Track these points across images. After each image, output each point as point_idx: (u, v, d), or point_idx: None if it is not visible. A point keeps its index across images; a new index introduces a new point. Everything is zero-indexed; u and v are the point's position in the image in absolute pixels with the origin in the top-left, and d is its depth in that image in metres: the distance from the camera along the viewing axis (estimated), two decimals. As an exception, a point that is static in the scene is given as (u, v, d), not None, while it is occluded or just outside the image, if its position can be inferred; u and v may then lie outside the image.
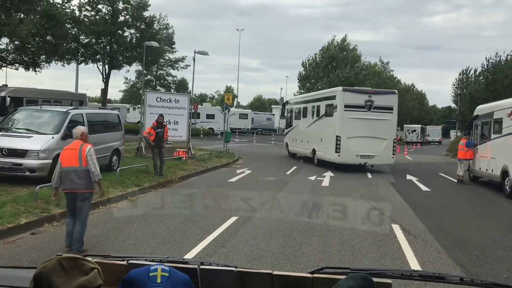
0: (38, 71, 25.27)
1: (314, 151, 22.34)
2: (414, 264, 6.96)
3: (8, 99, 21.11)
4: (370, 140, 19.61)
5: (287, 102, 29.62)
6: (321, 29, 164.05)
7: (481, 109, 19.16)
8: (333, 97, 20.43)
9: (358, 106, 19.58)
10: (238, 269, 1.82)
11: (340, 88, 20.97)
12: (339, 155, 19.65)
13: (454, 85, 70.76)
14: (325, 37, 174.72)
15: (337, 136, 19.48)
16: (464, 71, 69.92)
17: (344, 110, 19.53)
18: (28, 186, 11.22)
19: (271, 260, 6.94)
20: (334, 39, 50.03)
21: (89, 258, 1.74)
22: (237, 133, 50.25)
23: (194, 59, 25.94)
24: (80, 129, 7.51)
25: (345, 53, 48.91)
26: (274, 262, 6.81)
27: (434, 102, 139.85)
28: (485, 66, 42.84)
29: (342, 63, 47.80)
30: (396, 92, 21.67)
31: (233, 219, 9.54)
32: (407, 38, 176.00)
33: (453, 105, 78.14)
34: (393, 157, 20.59)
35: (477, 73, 65.02)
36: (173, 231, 8.50)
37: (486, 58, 42.08)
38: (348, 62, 48.02)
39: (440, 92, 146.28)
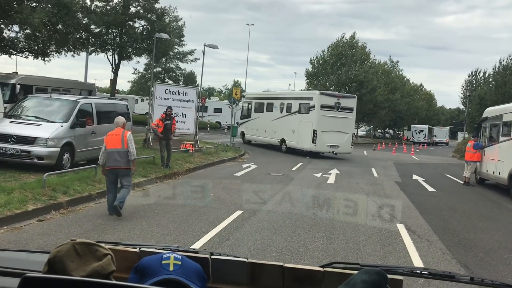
0: (48, 60, 25.39)
1: (283, 140, 26.81)
2: (418, 264, 6.95)
3: (18, 86, 21.25)
4: (337, 133, 24.58)
5: (243, 96, 34.14)
6: (332, 26, 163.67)
7: (491, 111, 19.04)
8: (310, 98, 24.96)
9: (330, 107, 24.48)
10: (249, 260, 1.83)
11: (317, 92, 25.87)
12: (315, 145, 24.32)
13: (463, 86, 70.45)
14: (335, 34, 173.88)
15: (314, 130, 24.11)
16: (473, 73, 69.68)
17: (320, 110, 24.15)
18: (36, 173, 11.31)
19: (275, 254, 6.97)
20: (343, 37, 49.86)
21: (102, 245, 1.76)
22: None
23: (203, 52, 25.93)
24: (121, 119, 9.22)
25: (354, 50, 48.68)
26: (278, 256, 6.84)
27: (442, 103, 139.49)
28: (497, 68, 42.54)
29: (351, 61, 47.59)
30: (356, 96, 27.35)
31: (238, 212, 9.57)
32: (418, 38, 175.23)
33: (461, 107, 77.73)
34: (352, 147, 25.97)
35: (486, 75, 64.78)
36: (178, 223, 8.55)
37: (499, 60, 41.71)
38: (357, 60, 47.80)
39: (448, 93, 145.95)
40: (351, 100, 25.90)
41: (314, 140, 24.12)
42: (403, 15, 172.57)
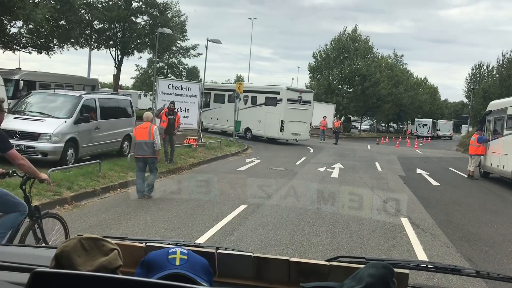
0: (51, 54, 25.43)
1: (248, 129, 29.68)
2: (423, 258, 6.95)
3: (21, 82, 21.29)
4: (299, 123, 28.33)
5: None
6: (335, 20, 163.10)
7: (495, 104, 18.97)
8: (278, 93, 28.05)
9: (294, 100, 28.04)
10: (255, 255, 1.84)
11: (285, 87, 29.17)
12: (282, 134, 27.86)
13: (467, 80, 70.27)
14: (339, 28, 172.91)
15: (282, 121, 27.48)
16: (477, 66, 69.39)
17: (287, 103, 27.60)
18: (40, 169, 11.30)
19: (279, 249, 6.99)
20: (345, 30, 49.65)
21: (108, 240, 1.77)
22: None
23: (206, 47, 25.88)
24: (149, 114, 10.61)
25: (356, 44, 48.48)
26: (283, 251, 6.86)
27: (446, 96, 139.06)
28: (500, 61, 42.32)
29: (354, 54, 47.42)
30: (313, 91, 32.59)
31: (242, 207, 9.60)
32: (422, 31, 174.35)
33: (465, 100, 77.59)
34: (309, 135, 30.30)
35: (490, 68, 64.50)
36: (182, 217, 8.57)
37: (502, 53, 41.46)
38: (359, 53, 47.63)
39: (452, 86, 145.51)
40: (309, 94, 30.11)
41: (282, 129, 27.60)
42: (407, 8, 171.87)
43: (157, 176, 10.68)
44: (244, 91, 29.30)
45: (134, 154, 10.14)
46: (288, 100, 27.72)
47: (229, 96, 30.04)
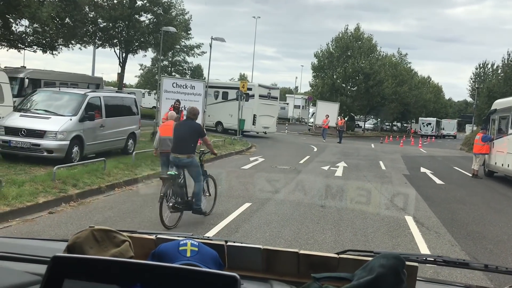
0: (56, 54, 25.51)
1: (219, 122, 31.22)
2: (427, 256, 6.95)
3: (26, 80, 21.36)
4: (268, 117, 30.99)
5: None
6: (340, 18, 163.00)
7: (500, 103, 18.90)
8: (250, 89, 29.40)
9: (264, 96, 30.70)
10: (264, 247, 1.85)
11: (257, 83, 31.33)
12: (254, 127, 30.14)
13: (471, 79, 70.04)
14: (342, 27, 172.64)
15: (254, 115, 29.71)
16: (482, 65, 69.14)
17: (259, 98, 29.99)
18: (46, 167, 11.41)
19: (284, 246, 7.00)
20: (347, 28, 49.49)
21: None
22: None
23: (210, 46, 25.93)
24: (174, 114, 11.54)
25: (360, 42, 48.33)
26: (287, 248, 6.87)
27: (450, 95, 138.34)
28: (506, 60, 42.13)
29: (358, 53, 47.29)
30: (279, 88, 38.09)
31: (246, 205, 9.62)
32: (427, 30, 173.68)
33: (469, 99, 77.27)
34: (276, 128, 33.60)
35: (495, 67, 64.24)
36: (187, 215, 8.58)
37: (507, 52, 41.25)
38: (363, 52, 47.48)
39: (456, 85, 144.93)
40: (276, 91, 33.76)
41: (254, 123, 29.95)
42: (412, 7, 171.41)
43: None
44: (216, 87, 31.63)
45: (159, 149, 10.62)
46: (260, 96, 30.19)
47: (214, 93, 31.69)
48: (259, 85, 31.35)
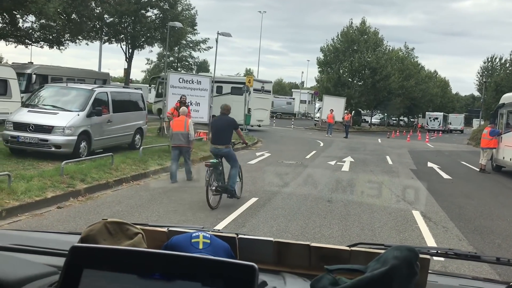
0: (63, 49, 25.59)
1: (213, 116, 33.55)
2: (435, 250, 6.94)
3: (34, 76, 21.48)
4: (262, 110, 31.74)
5: (158, 77, 35.93)
6: (346, 13, 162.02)
7: (508, 97, 18.77)
8: (244, 83, 28.84)
9: (258, 90, 31.26)
10: (276, 240, 1.86)
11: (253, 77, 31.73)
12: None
13: (478, 73, 69.51)
14: (348, 21, 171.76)
15: (249, 108, 29.13)
16: (489, 59, 68.60)
17: (253, 92, 29.95)
18: (53, 162, 11.48)
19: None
20: (352, 23, 49.19)
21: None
22: None
23: (217, 41, 25.85)
24: (185, 109, 12.17)
25: (366, 36, 48.04)
26: (295, 243, 6.88)
27: (457, 90, 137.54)
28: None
29: (364, 47, 47.02)
30: (272, 81, 36.67)
31: (253, 199, 9.64)
32: (434, 24, 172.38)
33: (476, 93, 76.79)
34: (269, 121, 34.41)
35: (503, 60, 63.72)
36: (194, 209, 8.63)
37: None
38: (369, 46, 47.21)
39: (463, 80, 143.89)
40: (269, 84, 34.37)
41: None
42: (419, 1, 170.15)
43: (191, 163, 11.89)
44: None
45: (171, 143, 11.43)
46: (254, 90, 30.50)
47: (212, 87, 32.32)
48: (254, 79, 31.69)
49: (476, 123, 57.51)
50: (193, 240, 1.67)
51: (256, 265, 1.00)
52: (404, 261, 1.35)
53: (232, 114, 9.75)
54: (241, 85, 29.11)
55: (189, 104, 17.15)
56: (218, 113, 29.74)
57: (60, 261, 1.17)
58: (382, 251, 1.57)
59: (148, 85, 53.61)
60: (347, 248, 1.78)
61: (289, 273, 1.77)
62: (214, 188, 8.76)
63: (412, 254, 1.39)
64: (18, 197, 7.90)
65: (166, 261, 1.02)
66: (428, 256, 1.69)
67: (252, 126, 31.02)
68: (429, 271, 1.72)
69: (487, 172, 17.68)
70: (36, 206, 7.98)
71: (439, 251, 1.91)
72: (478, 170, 18.11)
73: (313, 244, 1.81)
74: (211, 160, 8.92)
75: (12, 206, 7.56)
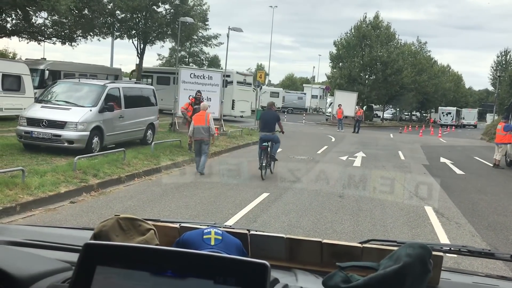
0: (75, 45, 25.76)
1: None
2: (448, 246, 6.89)
3: (47, 72, 21.67)
4: (244, 102, 32.89)
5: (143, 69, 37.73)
6: (358, 7, 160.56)
7: (522, 92, 18.52)
8: (229, 76, 30.20)
9: (241, 82, 32.50)
10: (287, 236, 1.86)
11: (235, 71, 32.81)
12: (233, 111, 31.65)
13: (492, 67, 68.68)
14: (362, 15, 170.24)
15: (233, 100, 31.04)
16: (503, 53, 67.70)
17: (236, 84, 31.53)
18: (66, 157, 11.58)
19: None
20: (365, 17, 48.83)
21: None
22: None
23: (228, 36, 25.88)
24: (205, 104, 12.87)
25: (378, 31, 47.67)
26: (306, 238, 6.87)
27: (471, 84, 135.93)
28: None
29: (375, 42, 46.67)
30: (252, 74, 38.16)
31: (264, 195, 9.64)
32: (448, 17, 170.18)
33: (490, 88, 75.87)
34: (250, 112, 33.98)
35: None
36: (206, 204, 8.67)
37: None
38: (381, 41, 46.83)
39: (477, 74, 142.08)
40: (250, 77, 35.75)
41: (233, 107, 31.54)
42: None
43: (207, 158, 12.34)
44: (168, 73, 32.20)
45: (193, 137, 12.16)
46: (237, 82, 31.95)
47: (175, 79, 32.50)
48: (237, 72, 33.10)
49: (490, 118, 56.85)
50: (205, 237, 1.68)
51: (268, 263, 0.99)
52: (417, 259, 1.34)
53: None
54: (226, 78, 29.63)
55: (203, 99, 17.17)
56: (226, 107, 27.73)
57: (74, 257, 1.18)
58: (395, 248, 1.56)
59: (129, 78, 53.72)
60: (359, 245, 1.77)
61: (300, 270, 1.77)
62: (264, 164, 11.63)
63: (425, 251, 1.38)
64: (32, 192, 7.98)
65: (178, 258, 1.03)
66: (441, 254, 1.68)
67: (235, 117, 32.12)
68: (442, 269, 1.71)
69: (501, 167, 17.49)
70: (49, 201, 8.07)
71: (452, 248, 1.90)
72: (491, 165, 17.92)
73: (325, 241, 1.81)
74: (264, 144, 11.88)
75: (26, 201, 7.64)
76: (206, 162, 11.91)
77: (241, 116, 32.94)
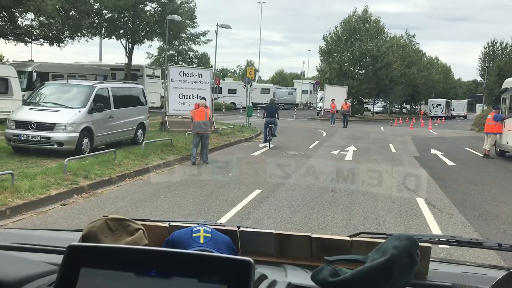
0: (62, 46, 25.56)
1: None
2: (440, 237, 6.94)
3: (34, 74, 21.48)
4: (154, 93, 33.54)
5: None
6: (347, 1, 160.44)
7: (510, 81, 18.67)
8: (138, 70, 33.29)
9: (150, 75, 34.41)
10: (277, 232, 1.86)
11: (144, 65, 35.18)
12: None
13: (480, 58, 69.11)
14: (351, 9, 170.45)
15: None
16: (491, 43, 68.14)
17: (146, 78, 33.16)
18: (56, 159, 11.51)
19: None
20: (355, 11, 48.95)
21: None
22: (258, 107, 50.06)
23: (216, 33, 25.80)
24: (204, 101, 13.86)
25: (367, 25, 47.81)
26: (299, 233, 6.89)
27: (460, 75, 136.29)
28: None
29: (364, 36, 46.81)
30: (160, 68, 38.82)
31: (257, 191, 9.64)
32: (436, 9, 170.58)
33: (479, 79, 76.35)
34: (160, 103, 33.95)
35: (504, 45, 63.34)
36: (198, 203, 8.65)
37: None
38: (370, 34, 46.98)
39: (465, 65, 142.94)
40: (158, 70, 37.29)
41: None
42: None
43: (208, 149, 13.56)
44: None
45: (193, 131, 13.14)
46: (147, 75, 33.97)
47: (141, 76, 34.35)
48: (146, 66, 35.65)
49: (479, 108, 57.26)
50: (194, 235, 1.67)
51: (252, 260, 0.99)
52: (404, 250, 1.34)
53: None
54: (136, 72, 32.98)
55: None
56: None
57: (61, 259, 1.16)
58: (384, 240, 1.56)
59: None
60: (348, 239, 1.78)
61: (290, 265, 1.77)
62: (268, 138, 17.58)
63: (411, 243, 1.38)
64: (22, 195, 7.92)
65: (162, 258, 1.03)
66: (429, 244, 1.68)
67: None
68: (431, 259, 1.72)
69: (491, 157, 17.63)
70: (40, 204, 8.01)
71: (441, 239, 1.91)
72: (482, 155, 18.05)
73: (314, 235, 1.81)
74: (269, 125, 17.52)
75: (16, 205, 7.58)
76: (208, 154, 13.37)
77: (152, 107, 33.93)
